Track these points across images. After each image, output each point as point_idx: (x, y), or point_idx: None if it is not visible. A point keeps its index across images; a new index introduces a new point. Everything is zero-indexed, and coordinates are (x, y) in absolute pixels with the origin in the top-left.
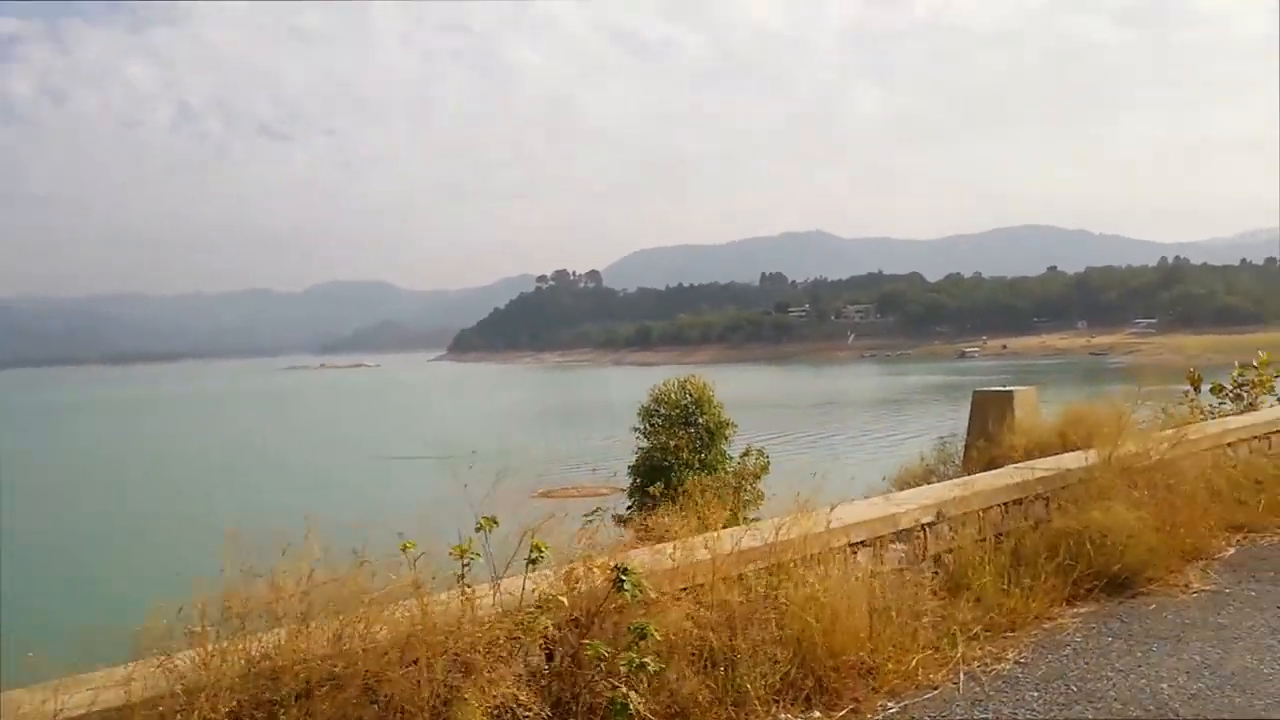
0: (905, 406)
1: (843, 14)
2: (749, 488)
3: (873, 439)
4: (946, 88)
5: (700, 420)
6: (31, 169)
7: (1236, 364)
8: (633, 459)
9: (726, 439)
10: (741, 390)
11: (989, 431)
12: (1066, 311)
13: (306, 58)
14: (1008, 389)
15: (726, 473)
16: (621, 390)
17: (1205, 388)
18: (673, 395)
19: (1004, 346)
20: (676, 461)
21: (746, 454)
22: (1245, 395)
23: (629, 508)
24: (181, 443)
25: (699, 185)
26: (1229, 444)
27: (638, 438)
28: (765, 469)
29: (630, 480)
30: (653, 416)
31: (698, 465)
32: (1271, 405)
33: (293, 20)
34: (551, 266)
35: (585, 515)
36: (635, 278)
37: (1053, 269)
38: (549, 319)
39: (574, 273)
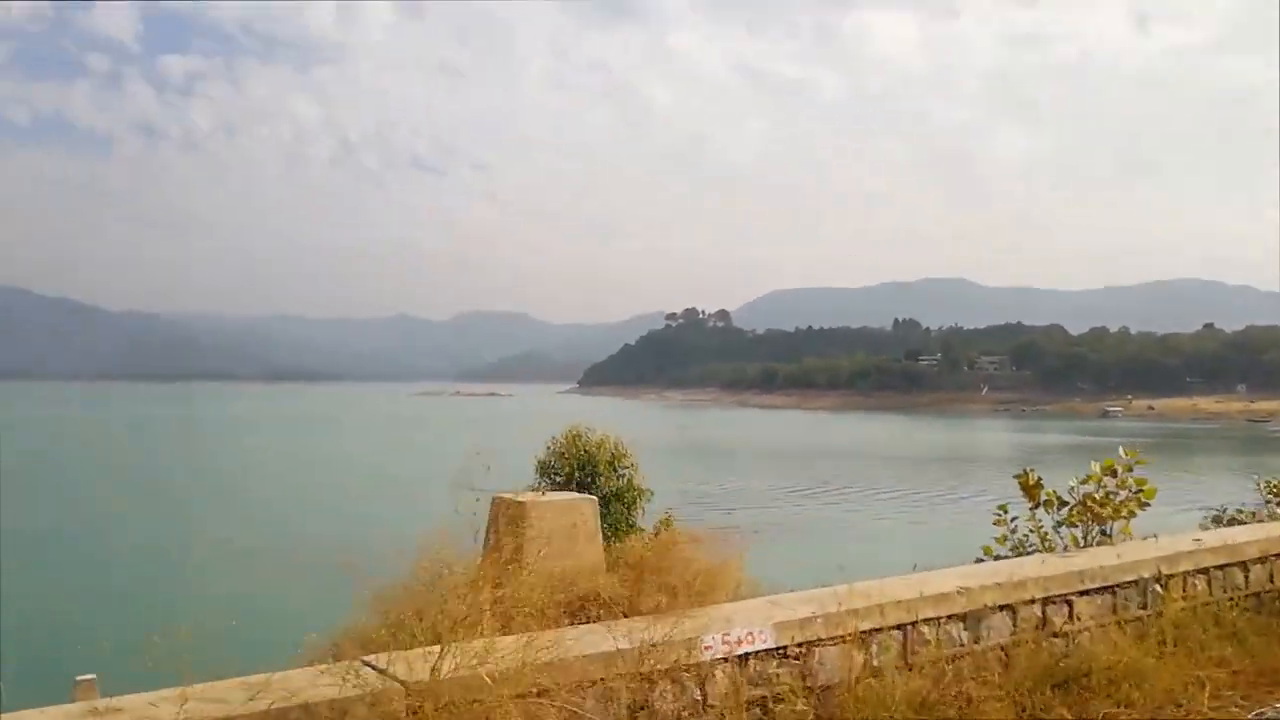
0: (1040, 467)
1: (984, 54)
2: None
3: (979, 500)
4: (1095, 131)
5: (598, 484)
6: (204, 197)
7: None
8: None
9: (635, 509)
10: (861, 438)
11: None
12: (1223, 372)
13: (458, 96)
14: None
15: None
16: (735, 431)
17: None
18: (571, 449)
19: (1150, 407)
20: None
21: (666, 524)
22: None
23: None
24: (289, 461)
25: (836, 226)
26: None
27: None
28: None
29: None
30: (550, 473)
31: None
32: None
33: (444, 57)
34: (686, 304)
35: None
36: (766, 318)
37: (1209, 326)
38: (676, 357)
39: (703, 311)
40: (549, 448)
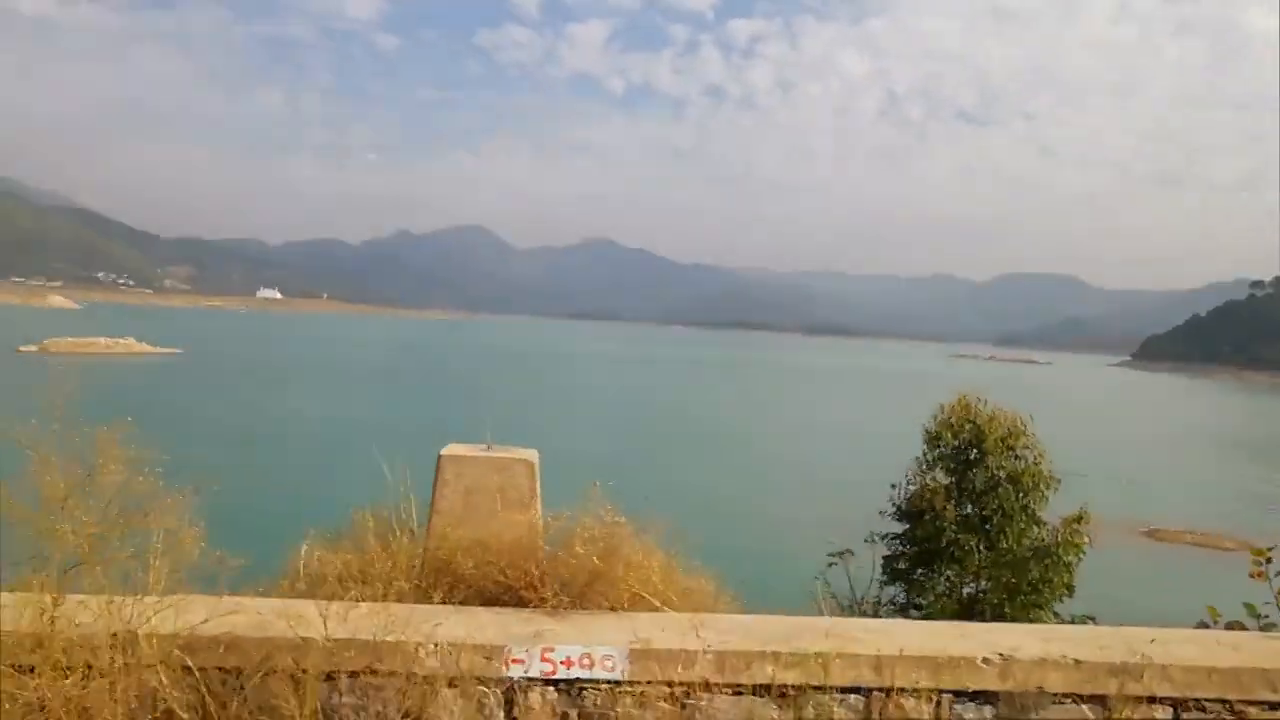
0: None
1: None
2: (1056, 574)
3: None
4: None
5: (985, 464)
6: (760, 154)
7: None
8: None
9: (1036, 500)
10: None
11: None
12: None
13: (1008, 40)
14: None
15: (1016, 551)
16: None
17: None
18: (959, 420)
19: None
20: (939, 520)
21: (1077, 520)
22: None
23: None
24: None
25: None
26: None
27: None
28: (1079, 547)
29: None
30: (937, 445)
31: (970, 530)
32: None
33: (999, 3)
34: (1275, 270)
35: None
36: None
37: None
38: (1263, 332)
39: None
40: (936, 417)
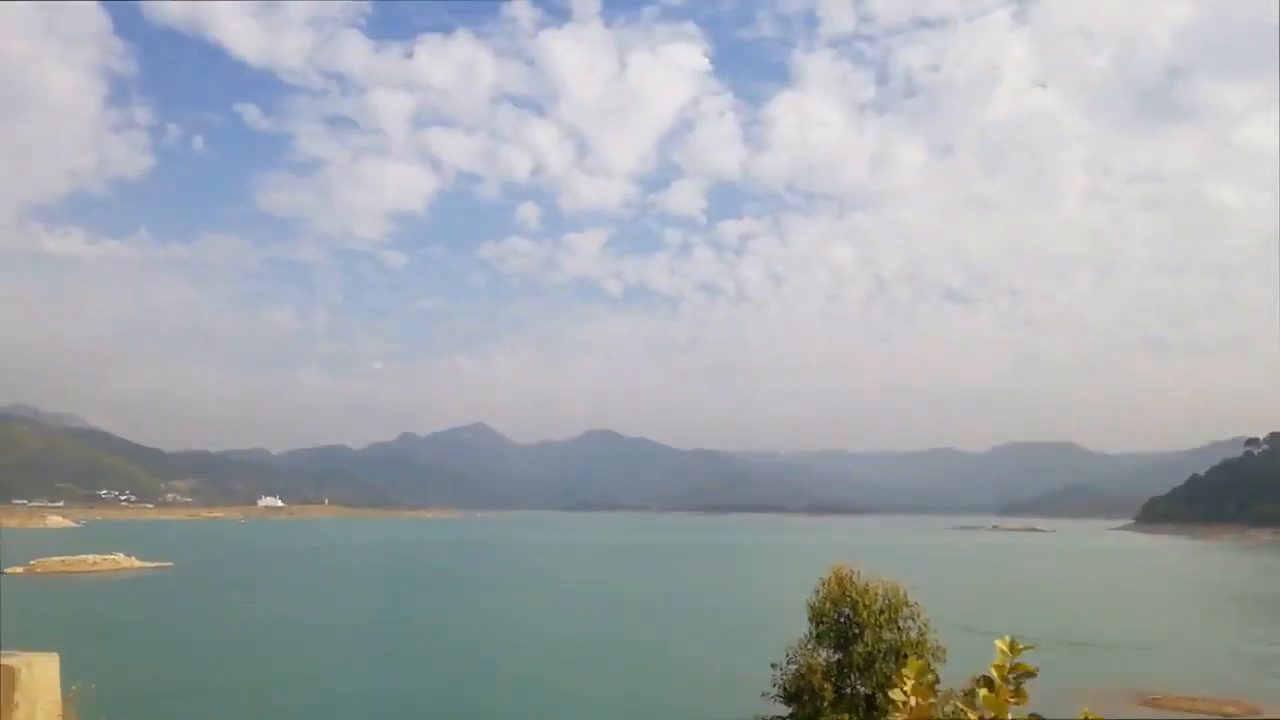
0: None
1: None
2: None
3: None
4: None
5: (863, 640)
6: (756, 343)
7: None
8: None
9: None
10: None
11: None
12: None
13: (987, 225)
14: None
15: None
16: None
17: None
18: (832, 595)
19: None
20: (818, 700)
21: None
22: None
23: None
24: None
25: None
26: None
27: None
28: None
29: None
30: (820, 621)
31: (851, 709)
32: None
33: (975, 191)
34: (1271, 428)
35: None
36: None
37: None
38: (1263, 490)
39: None
40: (817, 591)
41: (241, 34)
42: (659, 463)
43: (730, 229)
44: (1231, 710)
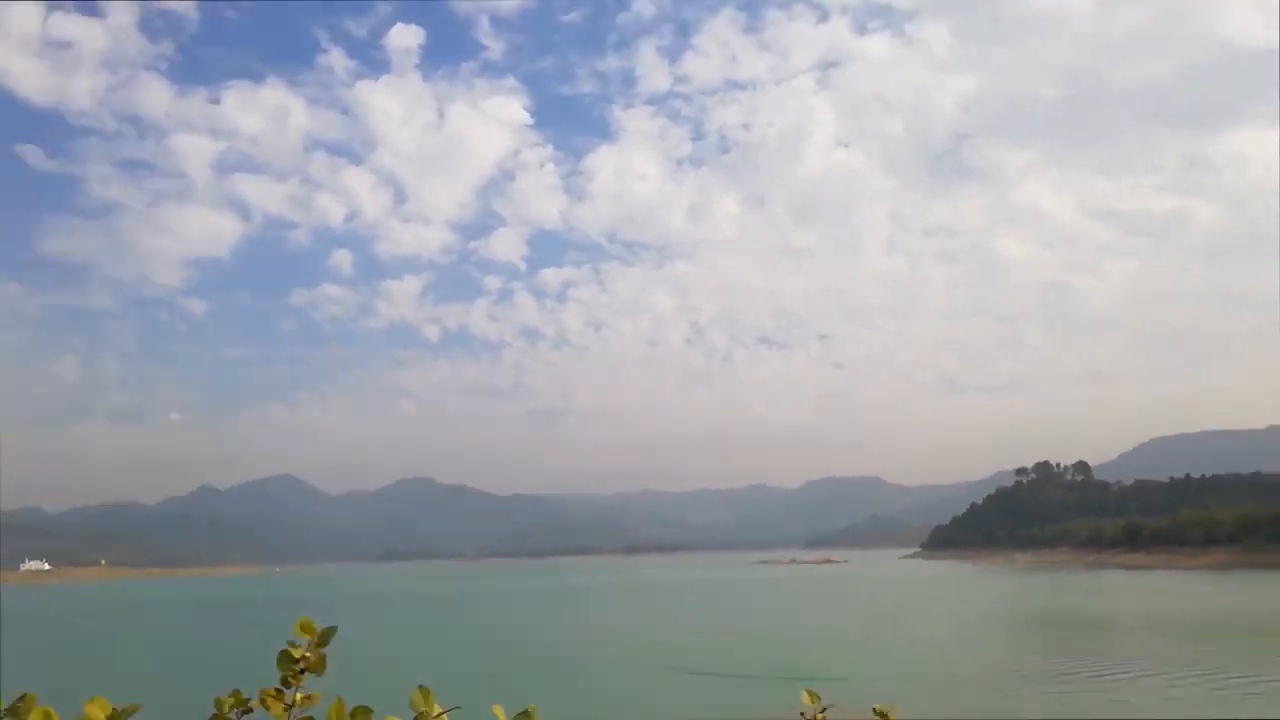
0: None
1: None
2: None
3: None
4: None
5: None
6: (577, 388)
7: None
8: None
9: None
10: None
11: None
12: None
13: (799, 273)
14: None
15: None
16: (1078, 599)
17: None
18: None
19: None
20: None
21: None
22: None
23: None
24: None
25: (1223, 363)
26: None
27: None
28: None
29: None
30: None
31: None
32: None
33: (788, 241)
34: (1057, 457)
35: None
36: (1139, 469)
37: None
38: (1028, 515)
39: (1058, 465)
40: None
41: (26, 73)
42: (476, 509)
43: (552, 276)
44: None
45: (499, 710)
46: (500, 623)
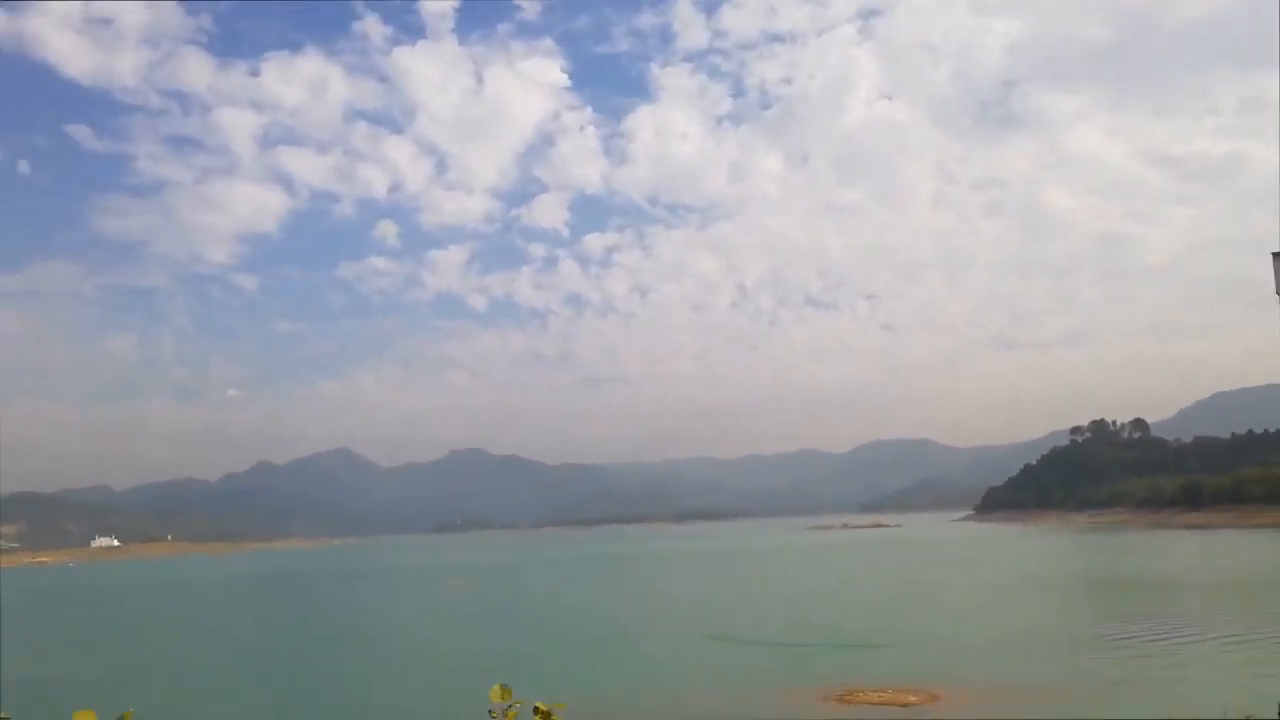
0: None
1: None
2: None
3: None
4: None
5: None
6: (625, 354)
7: None
8: None
9: None
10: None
11: None
12: None
13: (845, 230)
14: None
15: None
16: (1143, 558)
17: None
18: None
19: None
20: None
21: None
22: None
23: None
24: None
25: None
26: None
27: None
28: None
29: None
30: None
31: None
32: None
33: (832, 198)
34: (1115, 416)
35: None
36: (1201, 425)
37: None
38: (1084, 475)
39: (1115, 423)
40: None
41: (70, 52)
42: (528, 479)
43: (595, 242)
44: (912, 699)
45: (496, 690)
46: (549, 592)
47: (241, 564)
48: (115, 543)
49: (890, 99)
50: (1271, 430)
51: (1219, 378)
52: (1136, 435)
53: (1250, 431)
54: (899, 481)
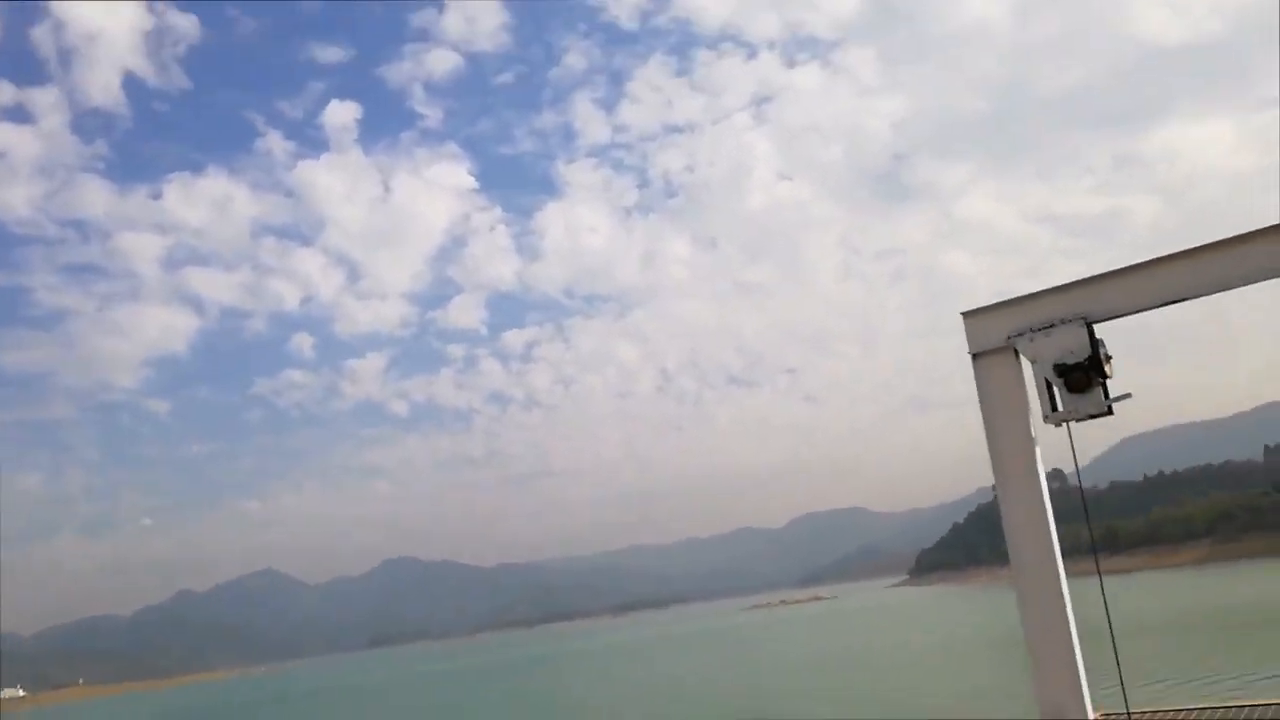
0: None
1: None
2: None
3: None
4: None
5: None
6: (552, 448)
7: None
8: None
9: None
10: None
11: None
12: None
13: (757, 309)
14: None
15: None
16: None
17: None
18: None
19: None
20: None
21: None
22: None
23: None
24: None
25: (1178, 361)
26: None
27: None
28: None
29: None
30: None
31: None
32: None
33: (742, 278)
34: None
35: None
36: (1112, 471)
37: None
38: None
39: None
40: None
41: None
42: (464, 584)
43: (514, 338)
44: None
45: None
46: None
47: (147, 704)
48: (21, 693)
49: (790, 179)
50: (1180, 469)
51: (1125, 424)
52: (1055, 485)
53: (1160, 472)
54: (835, 551)
